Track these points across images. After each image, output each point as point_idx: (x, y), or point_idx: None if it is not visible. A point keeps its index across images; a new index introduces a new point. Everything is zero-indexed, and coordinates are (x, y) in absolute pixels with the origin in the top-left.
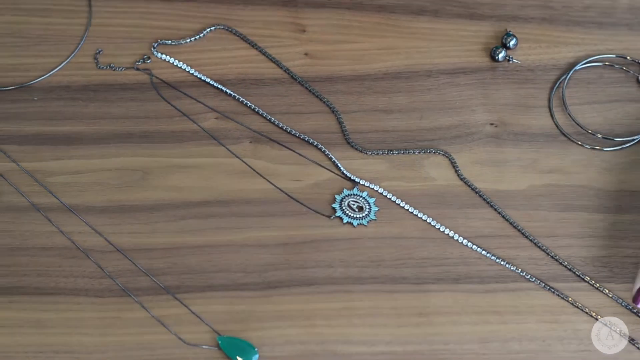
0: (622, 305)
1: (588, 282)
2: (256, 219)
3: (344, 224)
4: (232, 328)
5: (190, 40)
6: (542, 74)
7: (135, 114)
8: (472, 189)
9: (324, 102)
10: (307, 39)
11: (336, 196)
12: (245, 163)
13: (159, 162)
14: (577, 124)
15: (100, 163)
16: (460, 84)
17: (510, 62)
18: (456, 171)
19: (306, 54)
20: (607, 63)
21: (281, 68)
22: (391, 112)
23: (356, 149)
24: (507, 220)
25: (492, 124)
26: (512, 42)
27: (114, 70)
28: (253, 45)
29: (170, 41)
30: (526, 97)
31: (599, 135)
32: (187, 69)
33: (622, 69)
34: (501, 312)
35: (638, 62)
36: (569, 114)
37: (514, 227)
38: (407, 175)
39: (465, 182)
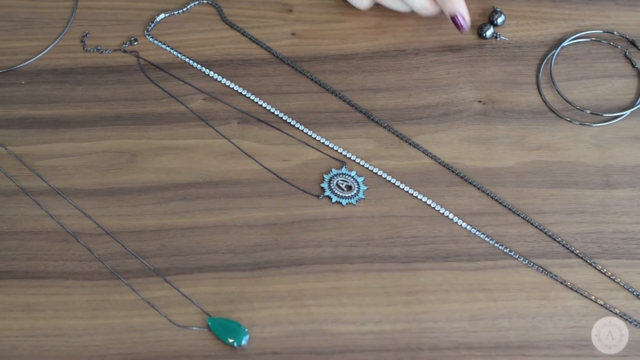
0: (614, 280)
1: (582, 258)
2: (245, 200)
3: (333, 203)
4: (221, 309)
5: (177, 13)
6: (529, 51)
7: (122, 97)
8: (448, 168)
9: (315, 82)
10: (294, 18)
11: (324, 176)
12: (233, 144)
13: (147, 144)
14: (566, 100)
15: (88, 146)
16: (448, 61)
17: (498, 39)
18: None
19: (293, 34)
20: (594, 39)
21: (263, 47)
22: (379, 90)
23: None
24: (492, 198)
25: (480, 101)
26: (500, 19)
27: (101, 52)
28: (232, 26)
29: (161, 16)
30: (514, 74)
31: (588, 111)
32: (173, 52)
33: (610, 44)
34: (491, 289)
35: (626, 37)
36: (557, 90)
37: (501, 204)
38: (395, 153)
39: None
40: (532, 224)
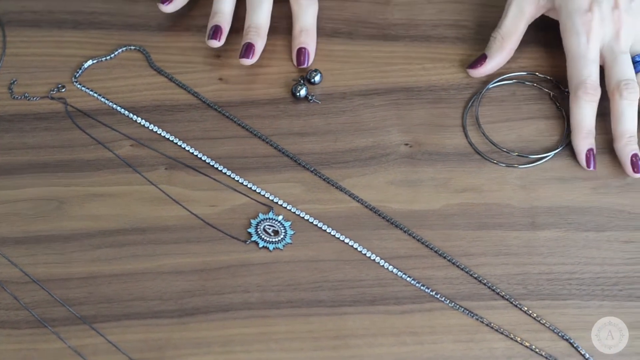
0: (539, 322)
1: (507, 300)
2: (172, 246)
3: (260, 248)
4: (149, 357)
5: (105, 59)
6: (455, 94)
7: (50, 144)
8: (374, 212)
9: (242, 127)
10: (221, 64)
11: (252, 221)
12: (161, 190)
13: (74, 191)
14: (491, 142)
15: (15, 194)
16: (375, 105)
17: (311, 101)
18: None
19: (220, 79)
20: (519, 80)
21: (190, 93)
22: (306, 134)
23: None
24: (419, 240)
25: (406, 144)
26: (317, 78)
27: (29, 100)
28: (160, 72)
29: (88, 62)
30: (440, 117)
31: (514, 153)
32: (100, 98)
33: (534, 85)
34: (418, 332)
35: (550, 79)
36: (482, 132)
37: (428, 247)
38: (322, 197)
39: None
40: (458, 266)
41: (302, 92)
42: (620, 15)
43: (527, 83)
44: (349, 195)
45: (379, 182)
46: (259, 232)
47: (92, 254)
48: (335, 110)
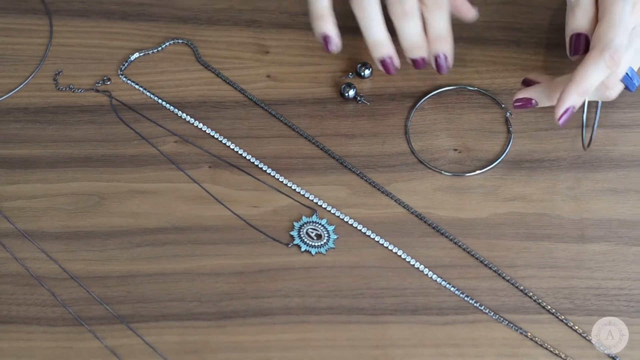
0: (585, 338)
1: (553, 314)
2: (213, 247)
3: (302, 252)
4: (185, 359)
5: (152, 52)
6: (508, 98)
7: (93, 137)
8: (420, 218)
9: (289, 126)
10: (269, 60)
11: (295, 223)
12: (204, 188)
13: (115, 187)
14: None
15: (56, 187)
16: (425, 108)
17: (360, 102)
18: None
19: (268, 76)
20: None
21: (237, 90)
22: (353, 136)
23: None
24: (464, 249)
25: (455, 150)
26: (367, 72)
27: (74, 91)
28: (207, 67)
29: (135, 55)
30: (491, 122)
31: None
32: (146, 92)
33: None
34: (459, 344)
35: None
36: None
37: (473, 256)
38: (367, 202)
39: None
40: (503, 277)
41: (351, 93)
42: None
43: None
44: (395, 201)
45: (425, 188)
46: (302, 236)
47: (131, 252)
48: (383, 112)
